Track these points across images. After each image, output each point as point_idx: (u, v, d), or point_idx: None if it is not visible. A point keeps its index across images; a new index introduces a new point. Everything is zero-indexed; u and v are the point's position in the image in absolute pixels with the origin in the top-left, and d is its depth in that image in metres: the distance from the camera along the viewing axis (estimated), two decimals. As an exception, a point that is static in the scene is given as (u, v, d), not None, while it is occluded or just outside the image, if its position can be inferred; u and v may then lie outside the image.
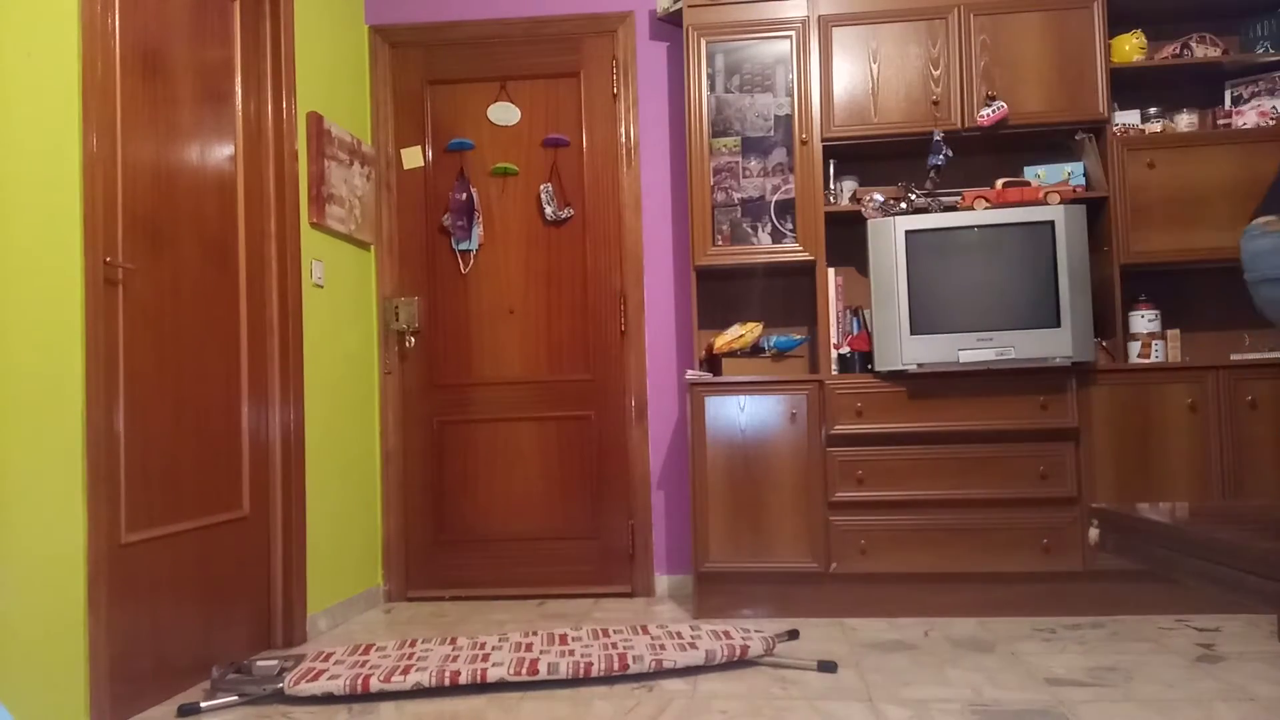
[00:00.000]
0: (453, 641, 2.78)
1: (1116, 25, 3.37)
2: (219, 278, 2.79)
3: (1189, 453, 3.08)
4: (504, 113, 3.78)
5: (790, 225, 3.35)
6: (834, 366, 3.33)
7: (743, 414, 3.20)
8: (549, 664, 2.50)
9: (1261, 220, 2.66)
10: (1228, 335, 3.45)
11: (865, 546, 3.15)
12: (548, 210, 3.74)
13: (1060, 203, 3.16)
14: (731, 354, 3.34)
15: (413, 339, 3.77)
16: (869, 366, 3.28)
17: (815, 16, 3.35)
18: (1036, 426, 3.11)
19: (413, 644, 2.76)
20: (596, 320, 3.74)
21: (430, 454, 3.76)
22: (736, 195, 3.37)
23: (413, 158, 3.81)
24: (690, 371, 3.28)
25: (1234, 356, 3.23)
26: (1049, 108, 3.26)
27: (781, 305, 3.63)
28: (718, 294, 3.66)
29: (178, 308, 2.59)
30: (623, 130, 3.75)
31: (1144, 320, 3.25)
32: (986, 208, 3.20)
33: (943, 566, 3.12)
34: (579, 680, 2.53)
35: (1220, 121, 3.36)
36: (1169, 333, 3.27)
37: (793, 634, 2.80)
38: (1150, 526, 1.27)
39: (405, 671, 2.46)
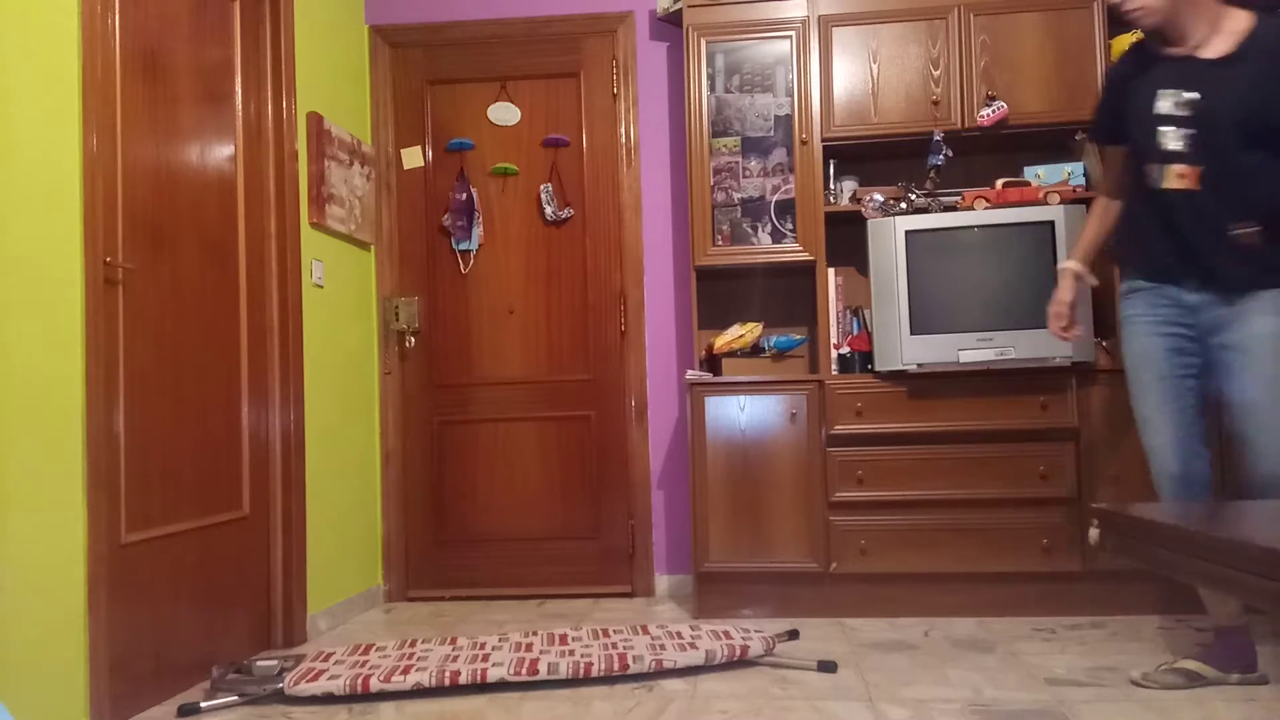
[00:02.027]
0: (453, 641, 2.78)
1: (1116, 25, 3.36)
2: (219, 278, 2.79)
3: (1189, 453, 3.08)
4: (504, 113, 3.78)
5: (790, 225, 3.35)
6: (834, 366, 3.33)
7: (743, 414, 3.20)
8: (549, 664, 2.50)
9: None
10: (1227, 335, 3.45)
11: (865, 546, 3.15)
12: (548, 210, 3.74)
13: (1060, 203, 3.16)
14: (731, 354, 3.34)
15: (413, 339, 3.77)
16: (869, 366, 3.28)
17: (815, 16, 3.35)
18: (1036, 426, 3.11)
19: (413, 644, 2.76)
20: (596, 320, 3.74)
21: (430, 454, 3.76)
22: (736, 195, 3.38)
23: (413, 158, 3.81)
24: (690, 371, 3.28)
25: (1234, 356, 3.23)
26: (1049, 107, 3.26)
27: (781, 305, 3.63)
28: (718, 294, 3.66)
29: (178, 308, 2.59)
30: (623, 130, 3.75)
31: (1144, 320, 3.24)
32: (986, 208, 3.20)
33: (943, 566, 3.12)
34: (579, 680, 2.53)
35: (1220, 121, 3.36)
36: (1169, 333, 3.27)
37: (793, 634, 2.80)
38: (1150, 526, 1.27)
39: (405, 671, 2.46)
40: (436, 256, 3.80)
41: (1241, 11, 2.28)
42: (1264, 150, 2.19)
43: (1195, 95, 2.25)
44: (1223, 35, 2.26)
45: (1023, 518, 3.11)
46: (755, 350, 3.37)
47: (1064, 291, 2.51)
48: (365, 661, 2.57)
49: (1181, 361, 2.36)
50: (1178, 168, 2.27)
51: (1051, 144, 3.43)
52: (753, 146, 3.38)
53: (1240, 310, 2.25)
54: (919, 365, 3.11)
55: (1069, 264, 2.53)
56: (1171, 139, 2.28)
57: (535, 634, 2.86)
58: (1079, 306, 2.59)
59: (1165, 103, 2.29)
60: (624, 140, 3.74)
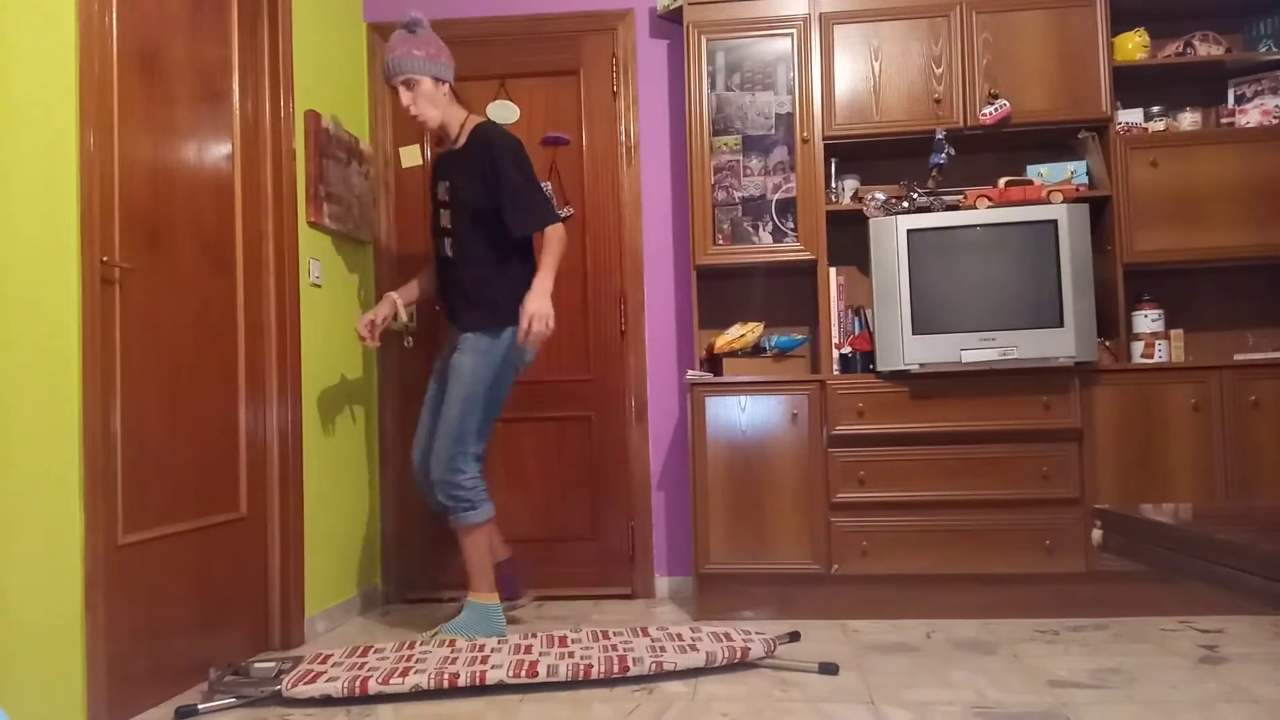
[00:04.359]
0: (451, 643, 2.77)
1: (1119, 23, 3.35)
2: (216, 277, 2.78)
3: (1192, 453, 3.07)
4: (503, 111, 3.77)
5: (791, 224, 3.33)
6: (835, 366, 3.31)
7: (743, 414, 3.19)
8: (548, 666, 2.49)
9: None
10: (1231, 335, 3.44)
11: (867, 548, 3.13)
12: (547, 209, 3.72)
13: (1063, 202, 3.14)
14: (732, 354, 3.33)
15: (411, 339, 3.75)
16: (871, 366, 3.27)
17: (817, 14, 3.33)
18: (1039, 427, 3.09)
19: (411, 646, 2.75)
20: (596, 320, 3.73)
21: (430, 454, 3.74)
22: (737, 194, 3.36)
23: (411, 156, 3.79)
24: (691, 371, 3.26)
25: (1237, 356, 3.22)
26: (1051, 106, 3.25)
27: (783, 305, 3.61)
28: (718, 293, 3.64)
29: (175, 307, 2.58)
30: (622, 129, 3.73)
31: (1147, 320, 3.23)
32: (989, 207, 3.19)
33: (945, 568, 3.11)
34: (578, 682, 2.51)
35: (1223, 120, 3.35)
36: (1172, 332, 3.26)
37: (794, 636, 2.79)
38: (1153, 527, 1.26)
39: (403, 674, 2.44)
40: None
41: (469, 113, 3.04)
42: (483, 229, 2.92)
43: (449, 182, 2.96)
44: (464, 134, 2.98)
45: (1025, 518, 3.09)
46: (756, 350, 3.35)
47: (377, 310, 3.06)
48: (363, 664, 2.56)
49: None
50: (447, 240, 2.96)
51: (1054, 143, 3.42)
52: (754, 145, 3.36)
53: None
54: (921, 365, 3.10)
55: (393, 293, 3.10)
56: (444, 218, 2.97)
57: (534, 636, 2.85)
58: (380, 326, 3.07)
59: (439, 190, 3.00)
60: (624, 139, 3.73)
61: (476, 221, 2.91)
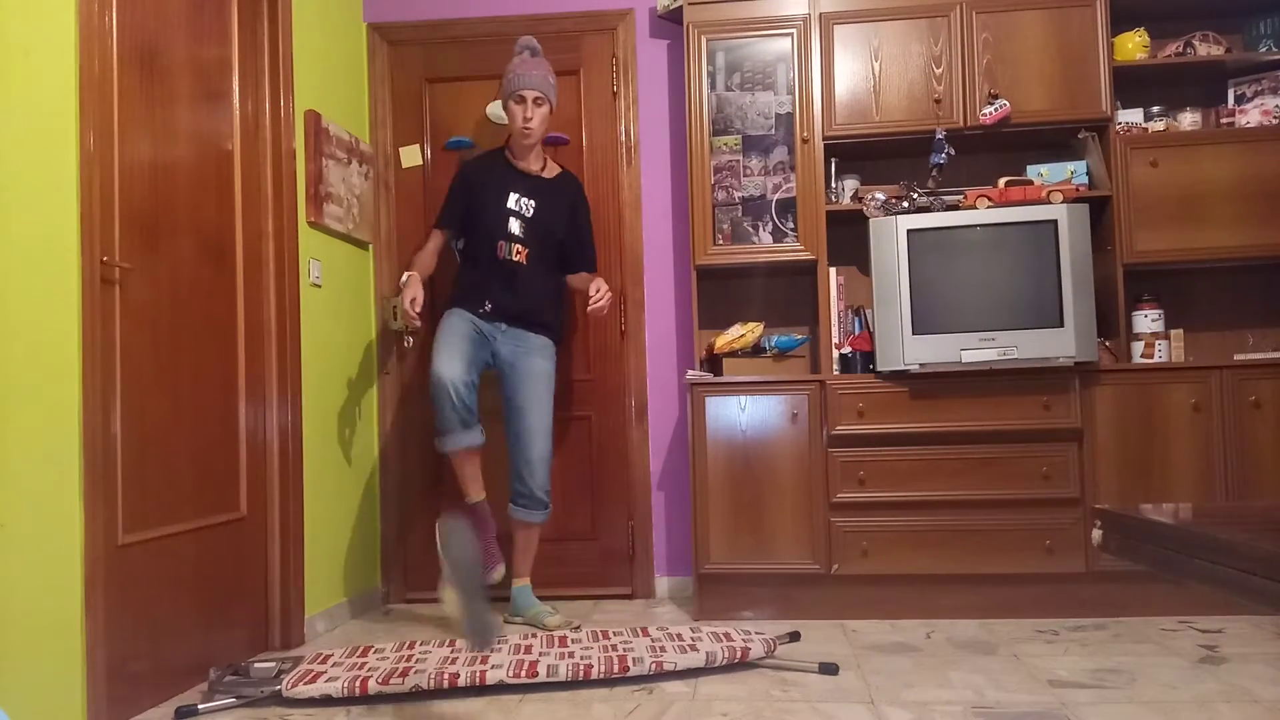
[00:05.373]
0: (451, 644, 2.77)
1: (1119, 23, 3.35)
2: (216, 277, 2.78)
3: (1192, 453, 3.07)
4: (503, 110, 3.76)
5: (791, 224, 3.33)
6: (835, 366, 3.31)
7: (743, 414, 3.19)
8: (548, 666, 2.49)
9: None
10: (1231, 335, 3.44)
11: (867, 548, 3.13)
12: (548, 209, 3.72)
13: (1063, 202, 3.14)
14: (732, 354, 3.33)
15: (411, 339, 3.75)
16: (871, 367, 3.27)
17: (817, 14, 3.33)
18: (1039, 427, 3.09)
19: (411, 646, 2.75)
20: (597, 320, 3.72)
21: (428, 455, 3.74)
22: (737, 194, 3.36)
23: (411, 156, 3.79)
24: (691, 371, 3.26)
25: (1238, 356, 3.22)
26: (1051, 106, 3.25)
27: (783, 305, 3.61)
28: (718, 293, 3.64)
29: (175, 307, 2.58)
30: (622, 129, 3.73)
31: (1147, 320, 3.23)
32: (989, 207, 3.19)
33: (945, 568, 3.11)
34: (579, 682, 2.51)
35: (1223, 120, 3.34)
36: (1172, 332, 3.26)
37: (794, 636, 2.78)
38: (1153, 527, 1.25)
39: (404, 674, 2.44)
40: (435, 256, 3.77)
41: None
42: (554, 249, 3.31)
43: (533, 202, 3.25)
44: (550, 167, 3.36)
45: (1025, 518, 3.09)
46: (756, 350, 3.35)
47: (417, 290, 3.09)
48: (363, 664, 2.56)
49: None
50: (517, 246, 3.22)
51: (1054, 142, 3.41)
52: (754, 145, 3.36)
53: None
54: (921, 365, 3.10)
55: (413, 272, 3.18)
56: (515, 227, 3.23)
57: (534, 635, 2.84)
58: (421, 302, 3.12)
59: (512, 200, 3.24)
60: (624, 139, 3.73)
61: (551, 245, 3.28)
